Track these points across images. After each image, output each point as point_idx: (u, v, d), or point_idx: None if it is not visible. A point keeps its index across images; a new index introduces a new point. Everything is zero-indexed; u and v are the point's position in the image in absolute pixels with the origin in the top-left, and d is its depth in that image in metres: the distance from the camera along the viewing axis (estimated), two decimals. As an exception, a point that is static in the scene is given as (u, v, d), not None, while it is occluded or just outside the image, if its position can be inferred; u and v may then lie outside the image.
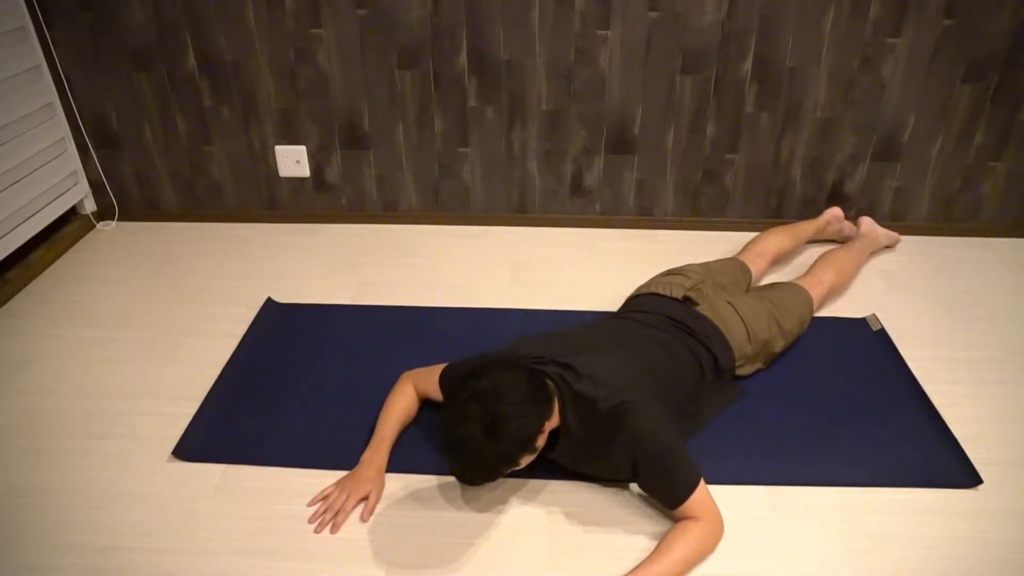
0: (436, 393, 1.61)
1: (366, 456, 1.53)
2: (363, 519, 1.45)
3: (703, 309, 1.76)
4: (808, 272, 2.07)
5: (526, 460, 1.35)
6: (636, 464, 1.38)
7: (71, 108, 2.42)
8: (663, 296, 1.82)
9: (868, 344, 1.94)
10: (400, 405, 1.62)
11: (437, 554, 1.38)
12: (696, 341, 1.67)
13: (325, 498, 1.48)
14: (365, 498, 1.47)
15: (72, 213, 2.59)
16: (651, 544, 1.39)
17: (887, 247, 2.41)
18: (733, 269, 2.01)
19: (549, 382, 1.41)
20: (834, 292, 2.06)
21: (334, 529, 1.43)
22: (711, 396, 1.69)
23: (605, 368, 1.45)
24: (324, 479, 1.54)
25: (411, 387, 1.65)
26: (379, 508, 1.48)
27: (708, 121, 2.35)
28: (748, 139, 2.37)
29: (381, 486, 1.50)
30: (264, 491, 1.52)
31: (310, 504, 1.48)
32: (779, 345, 1.82)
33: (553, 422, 1.39)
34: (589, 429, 1.40)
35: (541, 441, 1.35)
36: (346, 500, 1.45)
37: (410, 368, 1.73)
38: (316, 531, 1.42)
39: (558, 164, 2.45)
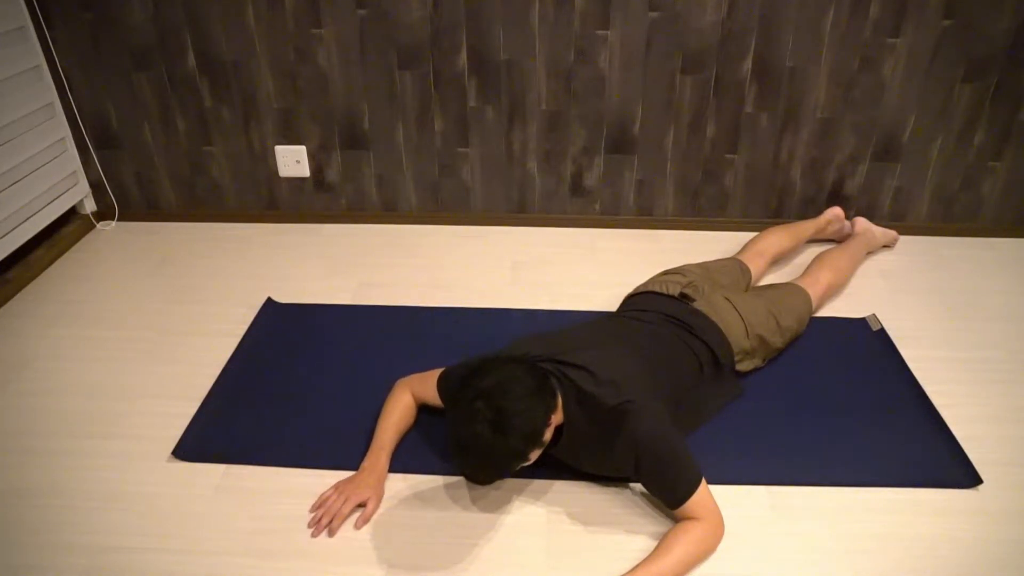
0: (434, 398, 1.61)
1: (366, 464, 1.53)
2: (356, 527, 1.44)
3: (700, 305, 1.76)
4: (805, 272, 2.07)
5: (534, 455, 1.35)
6: (638, 463, 1.38)
7: (71, 108, 2.43)
8: (660, 294, 1.82)
9: (868, 344, 1.94)
10: (397, 412, 1.61)
11: (437, 554, 1.38)
12: (693, 337, 1.67)
13: (323, 503, 1.48)
14: (362, 504, 1.47)
15: (72, 213, 2.59)
16: (651, 544, 1.39)
17: (886, 246, 2.41)
18: (732, 268, 2.02)
19: (551, 378, 1.41)
20: (832, 291, 2.06)
21: (331, 533, 1.42)
22: (710, 393, 1.69)
23: (606, 365, 1.45)
24: (324, 479, 1.54)
25: (408, 393, 1.65)
26: (380, 508, 1.47)
27: (708, 121, 2.35)
28: (748, 139, 2.37)
29: (380, 495, 1.50)
30: (264, 491, 1.52)
31: (311, 510, 1.48)
32: (777, 342, 1.82)
33: (557, 417, 1.39)
34: (592, 426, 1.40)
35: (548, 435, 1.35)
36: (343, 504, 1.45)
37: (408, 370, 1.73)
38: (312, 535, 1.42)
39: (558, 164, 2.45)
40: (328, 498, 1.47)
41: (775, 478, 1.54)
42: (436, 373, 1.62)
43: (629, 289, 2.09)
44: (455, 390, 1.34)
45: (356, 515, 1.46)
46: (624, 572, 1.30)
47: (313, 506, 1.48)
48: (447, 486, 1.53)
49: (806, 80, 2.26)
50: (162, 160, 2.52)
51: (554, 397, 1.37)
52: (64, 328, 2.05)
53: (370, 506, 1.46)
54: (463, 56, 2.28)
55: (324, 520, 1.43)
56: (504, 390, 1.29)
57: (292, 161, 2.49)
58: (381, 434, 1.57)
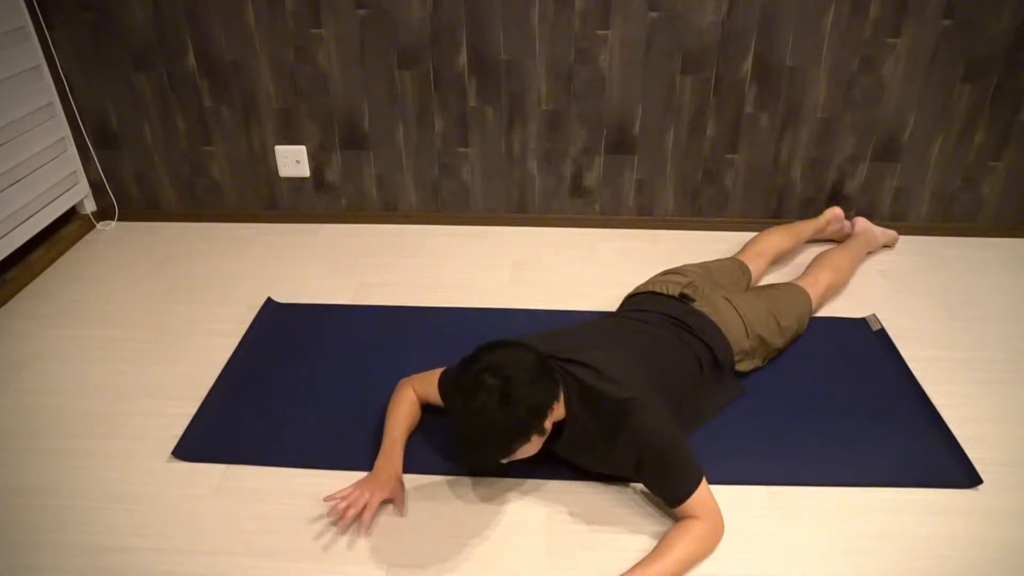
0: (436, 397, 1.61)
1: (380, 462, 1.51)
2: (402, 514, 1.44)
3: (699, 305, 1.76)
4: (805, 272, 2.07)
5: (535, 440, 1.34)
6: (639, 461, 1.38)
7: (71, 108, 2.43)
8: (660, 294, 1.82)
9: (868, 344, 1.94)
10: (404, 409, 1.61)
11: (437, 554, 1.38)
12: (693, 337, 1.68)
13: (344, 497, 1.42)
14: (389, 500, 1.46)
15: (72, 213, 2.59)
16: (652, 544, 1.39)
17: (886, 246, 2.41)
18: (732, 268, 2.02)
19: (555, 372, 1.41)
20: (831, 291, 2.06)
21: (361, 527, 1.39)
22: (711, 392, 1.69)
23: (608, 363, 1.45)
24: (324, 479, 1.54)
25: (411, 392, 1.65)
26: (380, 508, 1.47)
27: (708, 121, 2.35)
28: (748, 139, 2.37)
29: (402, 487, 1.49)
30: (264, 491, 1.52)
31: (326, 500, 1.42)
32: (777, 343, 1.82)
33: (559, 413, 1.39)
34: (593, 423, 1.40)
35: (548, 424, 1.35)
36: (371, 498, 1.42)
37: (409, 370, 1.73)
38: (338, 526, 1.39)
39: (558, 164, 2.45)
40: (350, 494, 1.42)
41: (775, 478, 1.54)
42: (438, 372, 1.62)
43: (629, 289, 2.09)
44: (460, 366, 1.34)
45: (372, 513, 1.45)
46: (624, 572, 1.30)
47: (329, 497, 1.42)
48: (447, 486, 1.53)
49: (806, 80, 2.26)
50: (162, 160, 2.52)
51: (557, 385, 1.37)
52: (64, 328, 2.05)
53: (398, 496, 1.45)
54: (463, 56, 2.28)
55: (352, 512, 1.39)
56: (511, 364, 1.29)
57: (292, 161, 2.49)
58: (392, 429, 1.57)
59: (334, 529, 1.42)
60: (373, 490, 1.44)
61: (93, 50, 2.33)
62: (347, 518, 1.39)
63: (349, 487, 1.46)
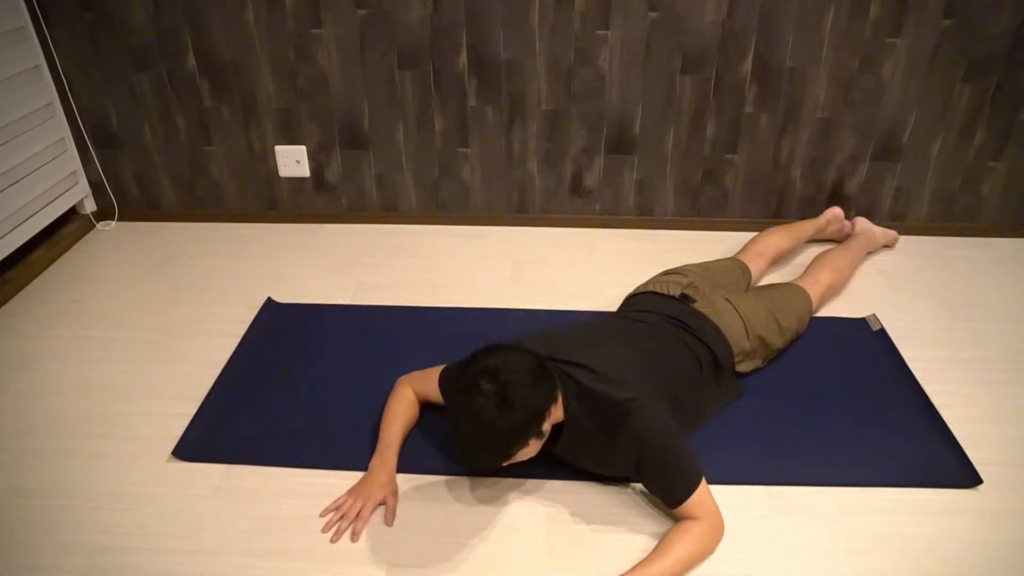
0: (435, 395, 1.61)
1: (375, 462, 1.52)
2: (388, 524, 1.44)
3: (700, 306, 1.76)
4: (805, 272, 2.07)
5: (534, 444, 1.34)
6: (640, 461, 1.38)
7: (71, 108, 2.43)
8: (660, 294, 1.82)
9: (868, 344, 1.94)
10: (401, 409, 1.61)
11: (437, 554, 1.38)
12: (693, 337, 1.68)
13: (338, 508, 1.47)
14: (382, 503, 1.47)
15: (72, 213, 2.59)
16: (652, 544, 1.39)
17: (886, 246, 2.41)
18: (732, 268, 2.02)
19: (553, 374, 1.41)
20: (831, 291, 2.06)
21: (354, 537, 1.41)
22: (711, 393, 1.69)
23: (607, 364, 1.45)
24: (324, 479, 1.54)
25: (410, 390, 1.65)
26: (379, 508, 1.48)
27: (708, 121, 2.35)
28: (748, 139, 2.37)
29: (396, 490, 1.50)
30: (264, 491, 1.52)
31: (323, 515, 1.47)
32: (778, 343, 1.82)
33: (557, 415, 1.39)
34: (593, 424, 1.40)
35: (547, 426, 1.35)
36: (363, 507, 1.44)
37: (408, 369, 1.73)
38: (333, 540, 1.41)
39: (558, 164, 2.45)
40: (343, 503, 1.46)
41: (775, 478, 1.54)
42: (437, 370, 1.62)
43: (629, 289, 2.09)
44: (458, 370, 1.35)
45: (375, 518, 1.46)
46: (624, 572, 1.30)
47: (326, 510, 1.47)
48: (447, 486, 1.53)
49: (806, 80, 2.26)
50: (162, 160, 2.52)
51: (555, 387, 1.37)
52: (64, 328, 2.05)
53: (390, 502, 1.46)
54: (463, 56, 2.28)
55: (344, 525, 1.42)
56: (509, 367, 1.30)
57: (292, 161, 2.49)
58: (387, 431, 1.57)
59: (331, 533, 1.43)
60: (366, 499, 1.46)
61: (93, 50, 2.33)
62: (341, 532, 1.42)
63: (343, 496, 1.48)
